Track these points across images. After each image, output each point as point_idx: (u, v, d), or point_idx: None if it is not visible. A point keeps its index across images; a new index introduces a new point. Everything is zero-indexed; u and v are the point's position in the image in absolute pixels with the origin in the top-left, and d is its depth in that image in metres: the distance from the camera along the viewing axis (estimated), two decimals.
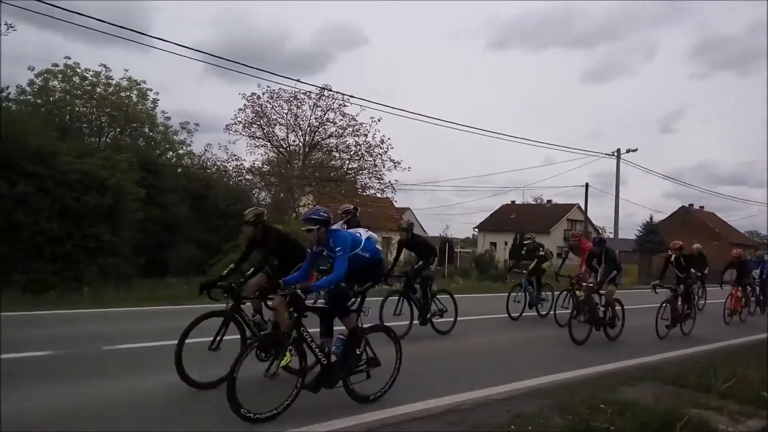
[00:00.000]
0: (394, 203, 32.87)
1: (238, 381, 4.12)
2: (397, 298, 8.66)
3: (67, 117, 24.77)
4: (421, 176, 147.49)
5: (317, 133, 26.35)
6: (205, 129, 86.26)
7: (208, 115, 76.89)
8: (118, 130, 25.98)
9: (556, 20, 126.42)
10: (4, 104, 15.91)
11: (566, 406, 4.90)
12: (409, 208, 50.78)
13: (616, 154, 27.74)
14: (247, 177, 27.67)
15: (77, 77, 25.16)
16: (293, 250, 6.04)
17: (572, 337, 8.33)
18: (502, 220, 57.23)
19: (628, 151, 27.90)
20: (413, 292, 8.68)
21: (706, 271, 13.29)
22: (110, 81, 25.69)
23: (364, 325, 5.26)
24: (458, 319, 9.18)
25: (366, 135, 26.07)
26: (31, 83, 24.72)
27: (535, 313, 11.20)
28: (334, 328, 5.05)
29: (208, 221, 23.01)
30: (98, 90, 25.38)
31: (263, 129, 26.38)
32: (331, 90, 24.48)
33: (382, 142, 26.20)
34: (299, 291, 4.52)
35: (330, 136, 26.48)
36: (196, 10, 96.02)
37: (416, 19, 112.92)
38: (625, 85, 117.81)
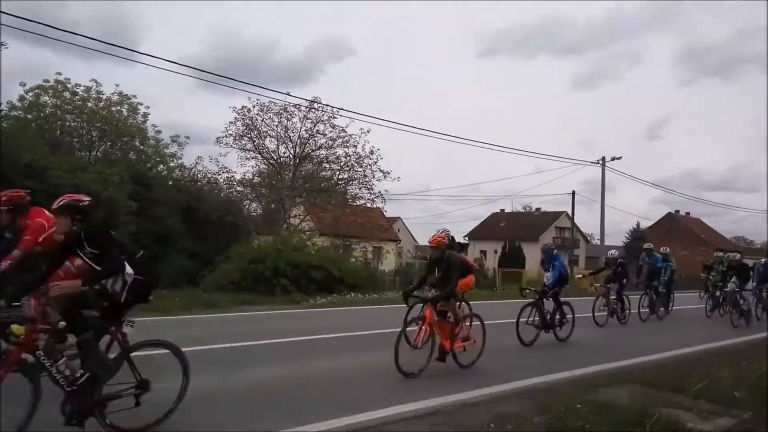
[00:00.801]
0: (384, 213, 33.14)
1: None
2: None
3: (58, 132, 24.91)
4: (412, 186, 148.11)
5: (307, 145, 26.65)
6: (196, 141, 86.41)
7: (198, 128, 77.28)
8: (108, 144, 26.12)
9: (544, 28, 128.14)
10: None
11: (545, 407, 5.15)
12: (399, 218, 51.14)
13: (601, 162, 28.24)
14: (237, 189, 27.89)
15: (68, 92, 25.32)
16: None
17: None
18: (491, 228, 57.76)
19: (612, 159, 28.44)
20: None
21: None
22: (101, 96, 25.88)
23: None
24: None
25: (355, 146, 26.45)
26: (21, 99, 24.87)
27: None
28: None
29: (200, 233, 23.17)
30: (89, 105, 25.54)
31: (254, 141, 26.67)
32: (320, 103, 24.85)
33: (372, 152, 26.58)
34: None
35: (320, 147, 26.81)
36: (187, 24, 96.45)
37: (404, 30, 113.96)
38: (612, 92, 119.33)
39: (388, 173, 27.06)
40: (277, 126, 26.32)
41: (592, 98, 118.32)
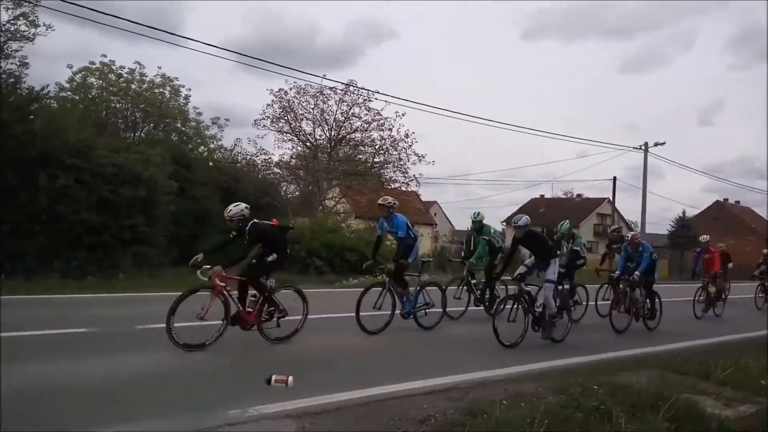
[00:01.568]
0: (419, 197, 33.11)
1: None
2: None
3: (104, 113, 25.70)
4: (451, 170, 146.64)
5: (343, 128, 26.80)
6: (236, 124, 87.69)
7: (238, 109, 78.21)
8: (151, 125, 26.84)
9: (592, 9, 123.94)
10: (44, 101, 16.72)
11: (562, 388, 5.17)
12: (436, 202, 50.98)
13: (643, 147, 27.43)
14: (274, 171, 28.32)
15: (113, 74, 26.06)
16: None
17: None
18: (530, 214, 56.46)
19: (656, 144, 27.58)
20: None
21: None
22: (144, 78, 26.55)
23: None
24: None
25: (390, 129, 26.43)
26: (70, 80, 25.77)
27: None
28: None
29: None
30: (133, 87, 26.26)
31: (290, 124, 26.97)
32: (356, 85, 24.91)
33: (407, 136, 26.54)
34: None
35: (355, 130, 26.91)
36: (229, 7, 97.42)
37: (446, 11, 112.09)
38: (662, 76, 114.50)
39: (423, 157, 27.02)
40: (313, 109, 26.56)
41: (640, 82, 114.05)
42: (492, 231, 10.69)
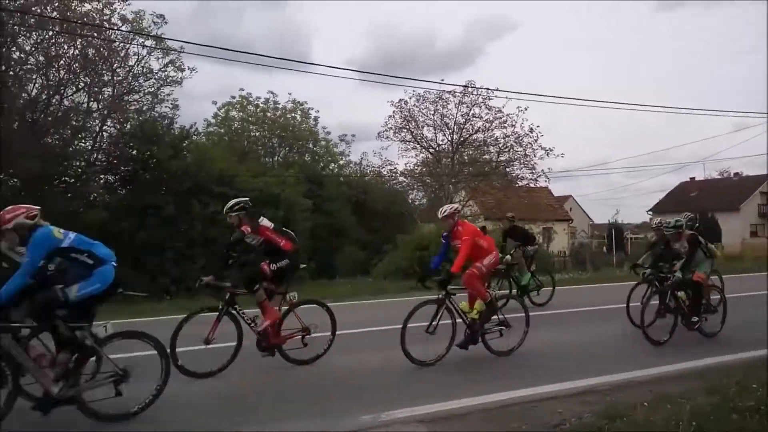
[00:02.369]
0: (550, 192, 31.86)
1: None
2: None
3: (245, 142, 28.16)
4: (587, 160, 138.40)
5: (464, 130, 26.67)
6: (363, 138, 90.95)
7: (364, 124, 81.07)
8: (287, 148, 28.88)
9: None
10: (195, 138, 18.78)
11: (715, 388, 4.73)
12: (570, 196, 48.59)
13: None
14: (400, 180, 28.93)
15: (251, 106, 28.55)
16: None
17: None
18: (680, 199, 51.87)
19: None
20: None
21: None
22: (277, 105, 28.71)
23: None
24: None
25: (513, 125, 25.80)
26: (215, 116, 28.64)
27: None
28: None
29: (369, 224, 24.61)
30: (268, 114, 28.51)
31: (412, 132, 27.40)
32: (473, 86, 24.73)
33: (531, 130, 25.72)
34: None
35: (477, 131, 26.63)
36: (350, 26, 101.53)
37: None
38: None
39: (551, 150, 26.00)
40: (433, 114, 26.75)
41: None
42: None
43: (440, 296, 6.21)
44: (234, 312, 5.90)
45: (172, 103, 19.48)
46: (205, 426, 4.39)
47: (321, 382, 5.66)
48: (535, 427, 4.16)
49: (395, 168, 28.51)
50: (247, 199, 6.56)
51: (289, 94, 28.93)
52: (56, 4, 15.41)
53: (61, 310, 4.26)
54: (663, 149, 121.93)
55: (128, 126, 16.92)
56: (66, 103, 16.43)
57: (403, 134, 27.57)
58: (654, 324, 7.24)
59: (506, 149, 26.35)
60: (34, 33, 15.58)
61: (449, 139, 27.16)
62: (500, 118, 25.84)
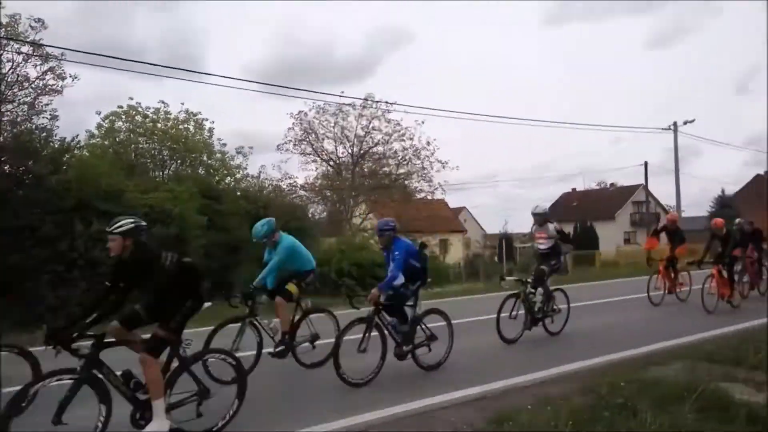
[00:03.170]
0: (447, 204, 33.10)
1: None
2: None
3: (132, 155, 26.60)
4: (480, 173, 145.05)
5: (364, 143, 27.10)
6: (263, 150, 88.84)
7: (264, 135, 79.38)
8: (179, 161, 27.63)
9: None
10: (77, 151, 17.51)
11: (590, 388, 5.18)
12: (464, 208, 50.70)
13: (672, 127, 26.87)
14: (300, 193, 28.77)
15: (139, 116, 27.03)
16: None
17: None
18: (562, 209, 55.95)
19: (685, 122, 26.97)
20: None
21: None
22: (168, 116, 27.42)
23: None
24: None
25: (411, 138, 26.61)
26: (98, 126, 26.80)
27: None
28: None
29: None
30: (158, 125, 27.14)
31: (312, 145, 27.41)
32: (373, 99, 25.25)
33: (428, 143, 26.68)
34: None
35: (377, 143, 27.19)
36: (247, 30, 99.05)
37: (463, 8, 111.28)
38: (693, 46, 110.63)
39: (446, 163, 27.10)
40: (333, 127, 26.96)
41: (671, 57, 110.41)
42: None
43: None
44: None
45: (50, 114, 18.10)
46: None
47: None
48: None
49: (295, 182, 28.33)
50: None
51: (182, 103, 27.80)
52: None
53: None
54: (547, 162, 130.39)
55: (1, 139, 15.50)
56: None
57: (303, 147, 27.55)
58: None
59: (405, 162, 27.10)
60: None
61: (349, 151, 27.48)
62: (399, 131, 26.58)
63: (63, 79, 18.47)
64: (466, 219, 51.76)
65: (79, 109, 49.97)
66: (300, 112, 26.73)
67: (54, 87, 18.25)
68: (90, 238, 13.52)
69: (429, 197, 28.29)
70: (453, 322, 6.82)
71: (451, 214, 41.10)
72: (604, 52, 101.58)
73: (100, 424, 4.04)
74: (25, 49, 16.35)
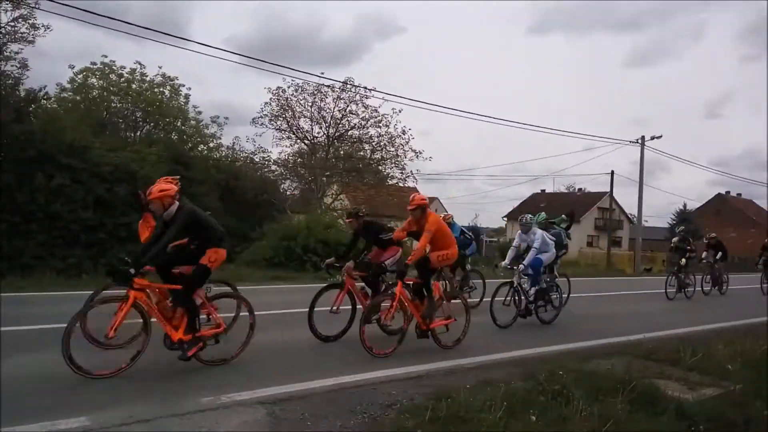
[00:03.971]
0: (418, 192, 33.18)
1: None
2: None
3: (105, 113, 25.99)
4: (457, 165, 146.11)
5: (341, 125, 26.93)
6: (240, 122, 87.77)
7: (243, 107, 78.38)
8: (152, 124, 27.12)
9: (601, 2, 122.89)
10: (44, 102, 17.01)
11: (530, 373, 5.33)
12: (437, 198, 50.98)
13: (640, 141, 27.48)
14: (273, 168, 28.50)
15: (114, 74, 26.38)
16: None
17: None
18: (531, 209, 56.78)
19: (652, 138, 27.60)
20: None
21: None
22: (145, 78, 26.84)
23: None
24: None
25: (387, 126, 26.54)
26: (71, 81, 26.08)
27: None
28: None
29: (238, 211, 23.88)
30: (133, 86, 26.55)
31: (288, 122, 27.09)
32: (352, 83, 25.06)
33: (404, 132, 26.64)
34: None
35: (353, 127, 27.02)
36: (235, 2, 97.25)
37: (454, 7, 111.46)
38: (670, 69, 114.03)
39: (420, 153, 27.12)
40: (311, 106, 26.67)
41: (648, 75, 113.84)
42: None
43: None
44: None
45: (20, 62, 17.51)
46: None
47: (164, 365, 5.48)
48: (369, 408, 4.42)
49: (269, 156, 28.03)
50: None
51: (159, 67, 27.22)
52: None
53: None
54: (521, 162, 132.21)
55: None
56: None
57: (279, 123, 27.18)
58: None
59: (379, 148, 27.02)
60: None
61: (325, 132, 27.26)
62: (376, 117, 26.45)
63: (36, 29, 17.85)
64: (437, 209, 52.11)
65: (52, 61, 48.39)
66: (278, 88, 26.37)
67: (25, 36, 17.62)
68: (52, 191, 13.22)
69: (401, 184, 28.33)
70: None
71: None
72: (585, 63, 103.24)
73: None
74: None
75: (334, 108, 26.53)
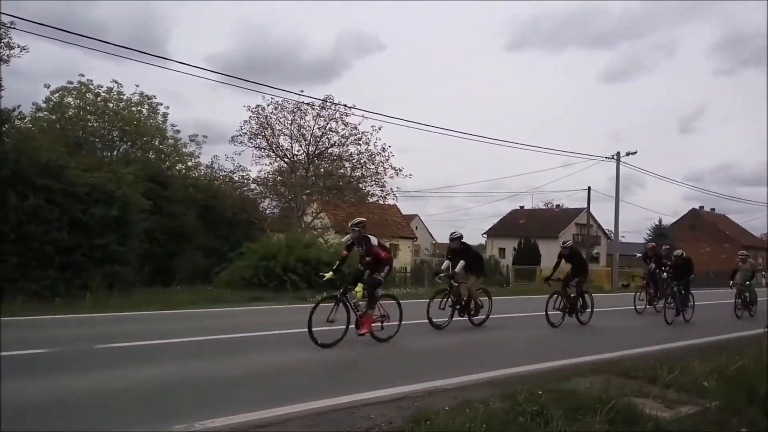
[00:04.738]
0: (399, 210, 33.34)
1: None
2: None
3: (81, 132, 25.71)
4: (438, 182, 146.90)
5: (320, 143, 26.99)
6: (218, 140, 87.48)
7: (222, 125, 78.17)
8: (129, 144, 26.87)
9: (576, 19, 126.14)
10: (17, 122, 16.72)
11: (508, 394, 5.32)
12: (416, 215, 51.23)
13: (615, 157, 27.99)
14: (252, 187, 28.38)
15: (90, 94, 26.15)
16: None
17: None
18: (510, 225, 57.42)
19: (627, 154, 28.16)
20: None
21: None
22: (122, 96, 26.65)
23: None
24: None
25: (367, 143, 26.69)
26: (47, 100, 25.77)
27: None
28: None
29: (216, 230, 23.69)
30: (110, 105, 26.33)
31: (268, 140, 27.09)
32: (332, 101, 25.20)
33: (383, 150, 26.82)
34: None
35: (333, 145, 27.12)
36: (215, 21, 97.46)
37: (433, 23, 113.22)
38: (645, 84, 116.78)
39: (400, 170, 27.28)
40: (290, 124, 26.73)
41: (623, 91, 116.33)
42: None
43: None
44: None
45: None
46: None
47: (135, 392, 5.36)
48: None
49: (248, 175, 27.94)
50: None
51: (137, 85, 26.96)
52: None
53: None
54: (499, 178, 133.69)
55: None
56: None
57: (258, 141, 27.18)
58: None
59: (359, 166, 27.13)
60: None
61: (305, 150, 27.30)
62: (356, 135, 26.59)
63: (11, 48, 17.65)
64: (417, 227, 52.32)
65: (27, 80, 47.86)
66: (257, 106, 26.44)
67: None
68: (26, 212, 12.95)
69: (381, 202, 28.41)
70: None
71: (403, 220, 41.45)
72: (561, 80, 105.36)
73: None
74: None
75: (313, 126, 26.67)
